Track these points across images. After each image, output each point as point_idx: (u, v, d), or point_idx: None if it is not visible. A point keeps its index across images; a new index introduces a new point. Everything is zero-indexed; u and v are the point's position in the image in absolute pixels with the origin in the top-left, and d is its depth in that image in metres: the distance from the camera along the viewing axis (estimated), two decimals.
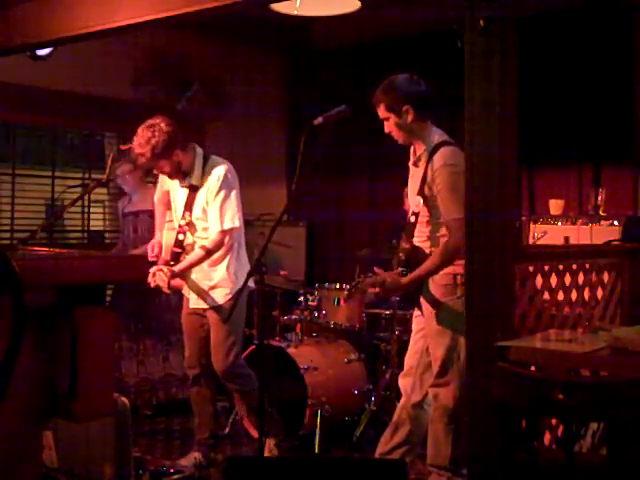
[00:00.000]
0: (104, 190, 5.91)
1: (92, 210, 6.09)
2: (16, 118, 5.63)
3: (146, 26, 4.00)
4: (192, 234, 4.19)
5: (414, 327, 3.71)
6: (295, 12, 4.32)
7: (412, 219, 3.53)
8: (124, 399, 2.92)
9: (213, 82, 6.21)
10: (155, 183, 4.58)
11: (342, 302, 4.97)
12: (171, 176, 4.15)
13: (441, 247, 3.40)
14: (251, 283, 3.86)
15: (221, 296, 4.17)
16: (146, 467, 4.03)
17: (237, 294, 4.03)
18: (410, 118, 3.44)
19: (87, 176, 6.09)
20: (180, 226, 4.19)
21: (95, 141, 6.34)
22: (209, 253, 4.10)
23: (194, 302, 4.25)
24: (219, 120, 6.32)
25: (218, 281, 4.18)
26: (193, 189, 4.13)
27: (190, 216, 4.14)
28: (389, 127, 3.50)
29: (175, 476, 4.00)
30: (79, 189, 5.50)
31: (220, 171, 4.10)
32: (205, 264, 4.16)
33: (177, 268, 4.08)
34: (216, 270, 4.17)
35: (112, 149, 6.07)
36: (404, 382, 3.67)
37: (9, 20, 4.30)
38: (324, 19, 5.41)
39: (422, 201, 3.46)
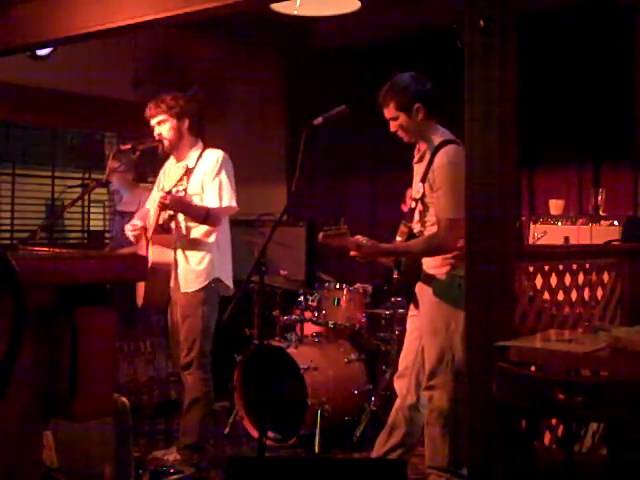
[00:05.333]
0: (104, 190, 5.88)
1: (92, 210, 6.10)
2: (16, 118, 5.62)
3: (146, 26, 4.00)
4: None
5: (409, 327, 3.71)
6: (295, 12, 4.32)
7: (412, 204, 3.56)
8: (124, 399, 2.92)
9: (213, 82, 6.21)
10: (153, 183, 4.55)
11: (342, 302, 4.97)
12: (164, 148, 4.14)
13: (427, 237, 3.44)
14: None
15: (186, 283, 4.08)
16: (146, 467, 4.03)
17: (213, 285, 4.05)
18: (420, 116, 3.46)
19: (87, 176, 6.09)
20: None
21: (95, 141, 6.33)
22: (207, 214, 4.01)
23: (172, 282, 4.15)
24: (219, 120, 6.32)
25: (193, 266, 4.08)
26: (188, 170, 4.10)
27: (184, 192, 4.08)
28: (396, 126, 3.50)
29: (175, 476, 4.00)
30: (79, 189, 5.51)
31: (218, 154, 4.11)
32: (187, 244, 4.09)
33: (171, 196, 3.98)
34: (194, 255, 4.08)
35: (112, 149, 6.06)
36: (399, 383, 3.65)
37: (9, 20, 4.30)
38: (324, 19, 5.41)
39: (423, 189, 3.48)
